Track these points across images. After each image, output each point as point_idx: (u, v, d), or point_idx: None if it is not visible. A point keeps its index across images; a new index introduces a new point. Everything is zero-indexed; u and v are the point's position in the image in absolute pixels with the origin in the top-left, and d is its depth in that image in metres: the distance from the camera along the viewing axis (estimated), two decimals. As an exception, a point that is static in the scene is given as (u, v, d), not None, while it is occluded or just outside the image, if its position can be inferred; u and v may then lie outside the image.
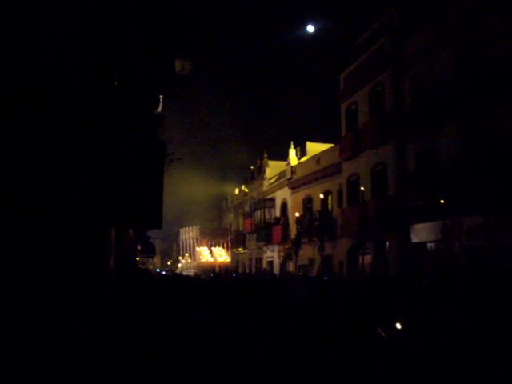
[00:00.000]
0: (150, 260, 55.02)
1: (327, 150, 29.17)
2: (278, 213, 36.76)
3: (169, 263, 72.02)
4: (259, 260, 40.27)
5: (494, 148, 15.53)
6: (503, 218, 14.99)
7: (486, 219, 15.49)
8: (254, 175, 44.03)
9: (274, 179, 38.56)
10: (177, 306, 10.94)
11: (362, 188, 20.61)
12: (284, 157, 36.09)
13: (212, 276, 31.16)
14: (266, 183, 39.98)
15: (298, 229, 26.76)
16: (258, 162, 42.75)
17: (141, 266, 36.50)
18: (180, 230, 63.02)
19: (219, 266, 47.18)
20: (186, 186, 50.84)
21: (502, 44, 15.59)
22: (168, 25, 5.70)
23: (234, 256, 48.65)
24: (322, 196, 26.47)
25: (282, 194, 35.94)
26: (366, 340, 7.21)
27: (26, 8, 3.98)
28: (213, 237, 54.15)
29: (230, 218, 52.68)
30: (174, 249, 73.32)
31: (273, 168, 39.48)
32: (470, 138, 17.09)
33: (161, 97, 11.66)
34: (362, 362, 6.13)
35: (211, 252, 53.03)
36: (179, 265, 59.50)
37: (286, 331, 8.34)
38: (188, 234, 60.01)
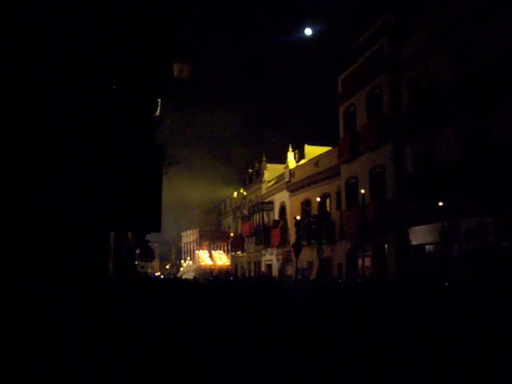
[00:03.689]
0: (149, 264, 54.96)
1: (325, 153, 29.19)
2: (276, 216, 36.72)
3: (167, 267, 71.95)
4: (258, 263, 40.21)
5: (492, 149, 15.56)
6: (501, 220, 15.01)
7: (485, 221, 15.50)
8: (253, 178, 43.96)
9: (272, 182, 38.54)
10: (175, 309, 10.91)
11: (363, 191, 20.60)
12: (282, 160, 36.11)
13: (210, 279, 31.09)
14: (264, 186, 39.95)
15: (297, 232, 26.71)
16: (257, 165, 42.69)
17: (139, 269, 36.45)
18: (182, 233, 63.03)
19: (219, 270, 47.10)
20: (184, 189, 50.89)
21: (498, 45, 15.64)
22: (166, 27, 5.71)
23: (232, 259, 48.60)
24: (319, 199, 26.47)
25: (281, 197, 35.92)
26: (365, 343, 7.20)
27: (26, 11, 3.98)
28: (213, 240, 54.07)
29: (229, 221, 52.62)
30: (172, 252, 73.29)
31: (271, 171, 39.42)
32: (467, 139, 17.13)
33: (159, 100, 11.66)
34: (360, 367, 6.12)
35: (211, 255, 52.93)
36: (181, 268, 59.42)
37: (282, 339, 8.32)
38: (189, 237, 59.95)
